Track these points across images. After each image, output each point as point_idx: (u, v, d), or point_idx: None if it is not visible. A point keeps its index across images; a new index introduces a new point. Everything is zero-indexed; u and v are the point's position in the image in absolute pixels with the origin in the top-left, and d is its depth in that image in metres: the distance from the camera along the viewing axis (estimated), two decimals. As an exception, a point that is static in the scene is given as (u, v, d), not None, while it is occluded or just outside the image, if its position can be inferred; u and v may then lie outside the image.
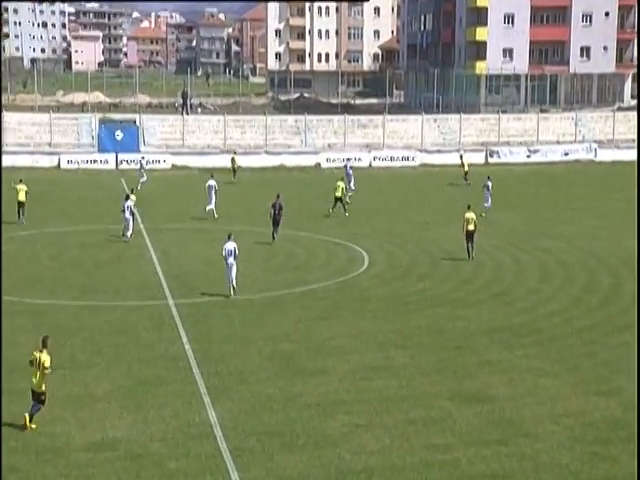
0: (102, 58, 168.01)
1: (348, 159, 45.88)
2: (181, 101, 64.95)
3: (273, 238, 28.60)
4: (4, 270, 23.69)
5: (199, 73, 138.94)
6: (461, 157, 45.60)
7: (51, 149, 48.95)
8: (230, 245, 22.55)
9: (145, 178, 40.38)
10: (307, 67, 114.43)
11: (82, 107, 67.77)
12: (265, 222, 31.87)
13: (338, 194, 35.40)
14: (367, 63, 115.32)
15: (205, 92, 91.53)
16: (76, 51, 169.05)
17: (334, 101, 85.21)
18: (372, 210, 36.01)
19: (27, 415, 13.47)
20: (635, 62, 73.11)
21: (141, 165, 43.55)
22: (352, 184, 38.74)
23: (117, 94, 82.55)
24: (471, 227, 25.47)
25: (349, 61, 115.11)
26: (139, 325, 18.93)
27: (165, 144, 51.09)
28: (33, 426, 13.48)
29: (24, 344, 17.14)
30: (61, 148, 49.15)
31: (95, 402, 14.61)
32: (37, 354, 13.67)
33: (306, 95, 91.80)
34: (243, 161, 48.23)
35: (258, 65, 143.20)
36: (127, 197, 28.90)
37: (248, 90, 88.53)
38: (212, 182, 33.56)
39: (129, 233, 28.30)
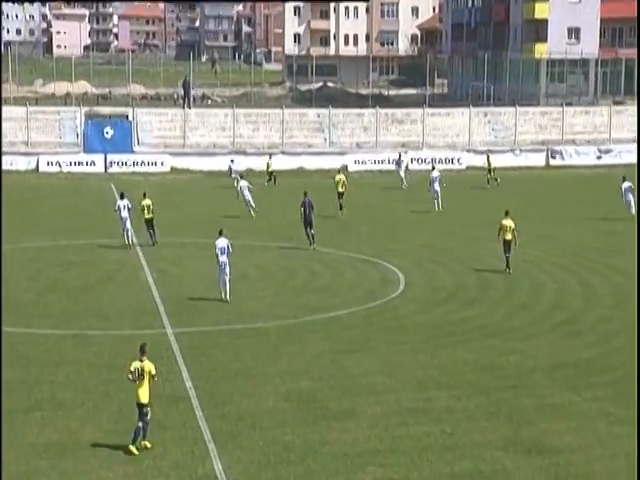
0: (88, 41, 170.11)
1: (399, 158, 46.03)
2: (182, 92, 65.55)
3: (310, 242, 29.83)
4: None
5: (203, 59, 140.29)
6: (488, 157, 45.91)
7: (28, 149, 49.64)
8: (222, 242, 23.31)
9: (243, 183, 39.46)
10: (332, 51, 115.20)
11: (65, 99, 68.72)
12: (282, 235, 32.06)
13: (341, 189, 36.01)
14: (403, 46, 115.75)
15: (210, 81, 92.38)
16: (58, 32, 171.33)
17: (364, 92, 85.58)
18: (408, 221, 36.08)
19: (134, 443, 14.44)
20: None
21: (231, 170, 43.74)
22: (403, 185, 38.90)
23: (106, 84, 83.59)
24: (509, 236, 26.14)
25: (382, 44, 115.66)
26: (132, 358, 18.97)
27: (163, 143, 51.59)
28: (148, 445, 14.66)
29: (-3, 380, 17.36)
30: (40, 148, 49.80)
31: (80, 450, 14.75)
32: (138, 364, 14.77)
33: (330, 85, 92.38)
34: (254, 163, 48.59)
35: (273, 49, 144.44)
36: (122, 196, 30.59)
37: (261, 79, 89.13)
38: (244, 182, 36.56)
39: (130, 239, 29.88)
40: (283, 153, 51.29)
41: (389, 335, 20.96)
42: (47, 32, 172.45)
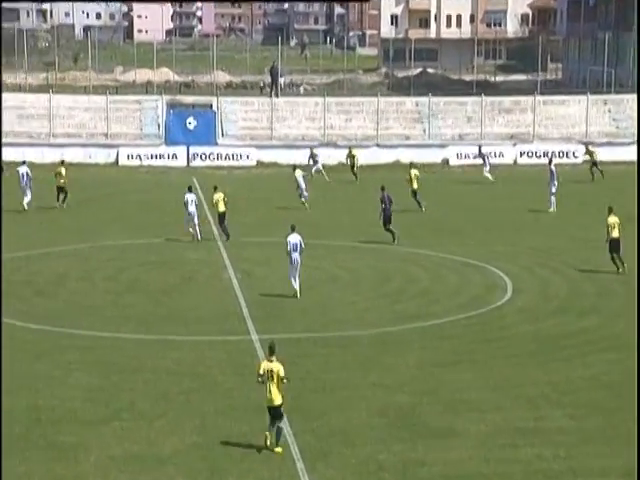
0: (171, 25, 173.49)
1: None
2: (269, 79, 66.15)
3: (394, 239, 30.44)
4: (47, 295, 24.81)
5: (292, 43, 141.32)
6: (587, 147, 44.96)
7: (108, 141, 50.88)
8: (294, 238, 23.98)
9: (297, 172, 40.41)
10: (432, 34, 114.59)
11: (146, 87, 70.14)
12: (375, 235, 32.03)
13: (415, 186, 35.87)
14: (512, 27, 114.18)
15: (300, 68, 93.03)
16: (139, 16, 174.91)
17: (467, 78, 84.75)
18: (517, 221, 35.57)
19: (272, 442, 15.14)
20: None
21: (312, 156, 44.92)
22: (553, 188, 37.11)
23: (189, 71, 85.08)
24: (615, 234, 26.24)
25: (488, 25, 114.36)
26: (215, 366, 19.37)
27: (249, 134, 52.19)
28: (279, 450, 15.16)
29: (73, 387, 17.85)
30: (120, 139, 51.01)
31: (160, 465, 15.00)
32: (267, 364, 15.29)
33: (430, 70, 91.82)
34: (343, 155, 48.62)
35: (368, 32, 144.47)
36: (190, 189, 31.70)
37: (355, 65, 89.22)
38: (299, 172, 38.05)
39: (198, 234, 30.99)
40: (378, 146, 51.26)
41: (495, 347, 20.72)
42: (128, 16, 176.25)
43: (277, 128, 52.25)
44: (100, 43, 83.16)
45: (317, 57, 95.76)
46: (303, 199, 37.71)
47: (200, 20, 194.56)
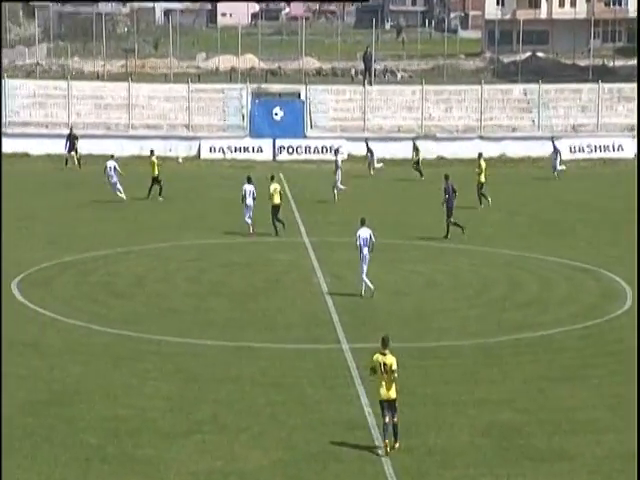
0: (257, 8, 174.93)
1: None
2: (362, 66, 66.24)
3: (447, 235, 31.44)
4: (125, 297, 25.31)
5: (387, 26, 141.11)
6: None
7: (189, 133, 51.64)
8: (365, 232, 24.65)
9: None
10: (542, 14, 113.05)
11: (230, 75, 71.01)
12: (479, 237, 31.77)
13: (482, 179, 36.97)
14: (634, 6, 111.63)
15: (395, 53, 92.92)
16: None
17: (582, 63, 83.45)
18: (635, 222, 34.81)
19: (386, 442, 15.72)
20: None
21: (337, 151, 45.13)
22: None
23: (276, 57, 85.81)
24: None
25: (606, 4, 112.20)
26: (303, 377, 19.48)
27: (339, 126, 52.34)
28: (397, 445, 15.82)
29: (152, 397, 18.17)
30: (202, 131, 51.71)
31: (244, 480, 15.20)
32: (381, 357, 15.94)
33: (540, 55, 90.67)
34: (445, 149, 48.41)
35: (471, 13, 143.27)
36: (249, 180, 32.51)
37: (456, 49, 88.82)
38: (339, 157, 40.43)
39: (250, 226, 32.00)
40: (481, 138, 50.85)
41: (612, 361, 20.39)
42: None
43: (370, 119, 52.28)
44: (181, 28, 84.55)
45: (414, 41, 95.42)
46: (335, 192, 38.31)
47: (288, 2, 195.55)
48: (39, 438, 16.18)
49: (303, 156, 50.38)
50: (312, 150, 50.88)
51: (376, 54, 71.43)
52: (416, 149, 45.29)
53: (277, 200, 31.93)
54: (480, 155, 38.69)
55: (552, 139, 45.74)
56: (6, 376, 19.00)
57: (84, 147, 47.83)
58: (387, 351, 16.03)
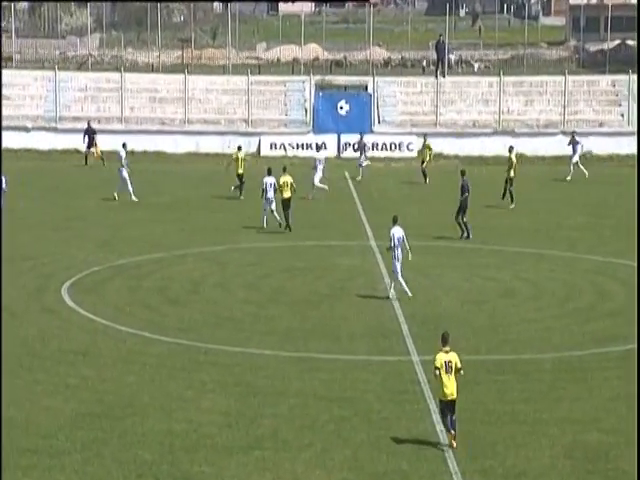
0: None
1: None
2: (434, 56, 66.02)
3: (462, 234, 32.41)
4: (181, 303, 25.57)
5: (462, 13, 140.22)
6: None
7: (249, 128, 51.97)
8: (399, 231, 25.39)
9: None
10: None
11: (292, 66, 71.24)
12: (565, 240, 31.50)
13: (512, 174, 37.68)
14: None
15: (471, 42, 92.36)
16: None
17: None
18: None
19: (452, 434, 16.61)
20: None
21: (361, 148, 45.15)
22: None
23: (341, 47, 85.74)
24: None
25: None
26: (370, 391, 19.50)
27: (410, 121, 52.28)
28: (454, 443, 16.55)
29: (209, 411, 18.33)
30: (262, 126, 51.99)
31: (306, 501, 15.30)
32: (444, 356, 16.64)
33: (631, 43, 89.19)
34: (525, 145, 48.06)
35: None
36: (269, 172, 33.75)
37: (537, 37, 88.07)
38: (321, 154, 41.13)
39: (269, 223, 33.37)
40: (564, 134, 50.33)
41: None
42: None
43: (443, 113, 52.11)
44: (241, 16, 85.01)
45: (492, 29, 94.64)
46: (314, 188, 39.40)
47: (293, 1, 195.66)
48: (90, 453, 16.42)
49: (370, 153, 50.28)
50: (380, 147, 50.86)
51: (450, 43, 71.00)
52: (428, 147, 44.47)
53: (287, 194, 32.55)
54: (511, 148, 39.11)
55: (573, 134, 45.42)
56: (56, 386, 19.35)
57: (138, 144, 48.37)
58: (448, 348, 16.64)
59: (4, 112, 51.94)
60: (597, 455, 16.66)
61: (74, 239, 32.36)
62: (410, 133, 51.28)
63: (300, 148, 50.90)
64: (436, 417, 18.09)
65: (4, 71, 56.69)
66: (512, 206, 37.39)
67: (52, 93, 52.37)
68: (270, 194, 33.07)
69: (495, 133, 50.22)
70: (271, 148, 51.00)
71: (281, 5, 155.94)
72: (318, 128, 51.40)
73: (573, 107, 51.63)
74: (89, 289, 26.55)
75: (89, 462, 16.10)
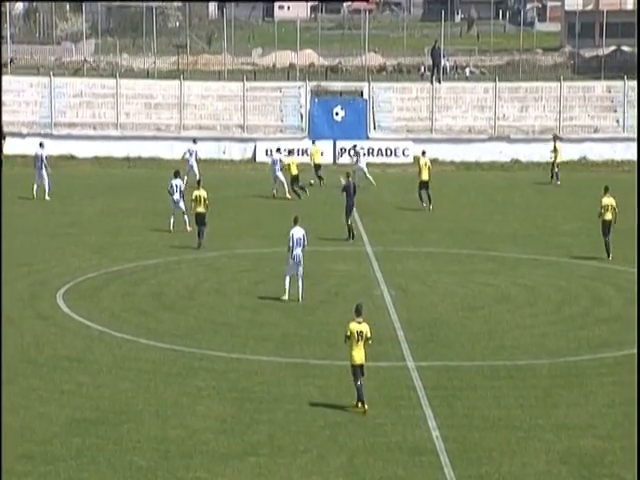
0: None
1: None
2: (430, 62, 66.12)
3: (349, 236, 32.94)
4: (176, 309, 25.57)
5: (457, 19, 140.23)
6: None
7: (244, 134, 52.00)
8: (298, 232, 25.79)
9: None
10: (629, 5, 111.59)
11: (287, 72, 71.30)
12: (560, 246, 31.53)
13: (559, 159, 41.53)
14: None
15: (466, 47, 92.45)
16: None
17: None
18: None
19: (360, 403, 18.28)
20: None
21: (356, 153, 45.21)
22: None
23: (337, 53, 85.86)
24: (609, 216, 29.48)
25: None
26: (365, 396, 19.49)
27: (405, 127, 52.35)
28: (366, 407, 18.22)
29: (204, 417, 18.32)
30: (258, 132, 52.02)
31: (301, 507, 15.28)
32: (357, 326, 18.36)
33: (626, 49, 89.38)
34: (520, 151, 48.09)
35: (549, 4, 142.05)
36: (177, 174, 34.24)
37: (533, 43, 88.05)
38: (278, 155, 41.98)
39: (187, 224, 33.54)
40: (560, 139, 50.36)
41: (702, 384, 20.04)
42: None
43: (439, 119, 52.21)
44: (237, 22, 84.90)
45: (487, 35, 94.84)
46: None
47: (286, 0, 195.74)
48: (85, 459, 16.41)
49: (366, 159, 50.28)
50: (375, 152, 50.92)
51: (445, 49, 71.02)
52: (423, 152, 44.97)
53: (201, 208, 31.78)
54: (555, 137, 42.66)
55: (554, 138, 46.20)
56: (51, 392, 19.34)
57: (134, 150, 48.37)
58: (361, 319, 18.38)
59: (0, 118, 52.01)
60: (593, 461, 16.67)
61: (69, 245, 32.34)
62: (406, 139, 51.32)
63: (296, 154, 50.76)
64: (432, 423, 18.12)
65: (-1, 77, 56.73)
66: (558, 182, 42.28)
67: (47, 99, 52.39)
68: (177, 196, 33.66)
69: (490, 139, 50.28)
70: (267, 154, 50.91)
71: (277, 11, 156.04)
72: (314, 134, 51.38)
73: (568, 113, 51.73)
74: (84, 295, 26.54)
75: (84, 468, 16.09)
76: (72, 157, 50.80)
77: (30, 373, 20.43)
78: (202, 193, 31.75)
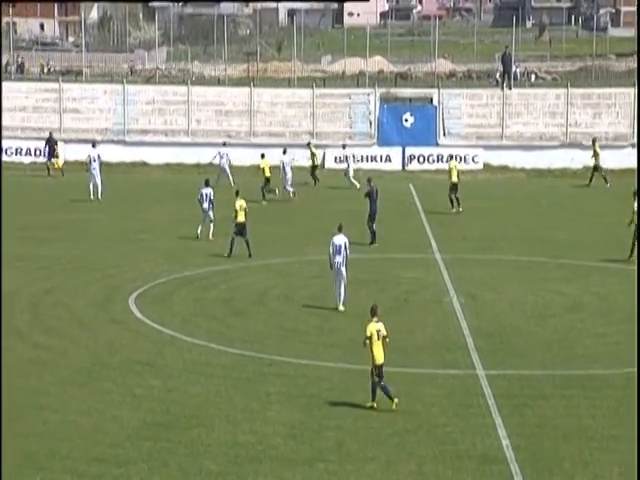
0: (386, 7, 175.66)
1: None
2: (500, 68, 65.70)
3: (372, 241, 33.08)
4: (246, 315, 25.72)
5: (529, 24, 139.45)
6: None
7: (314, 140, 52.02)
8: (340, 239, 25.60)
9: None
10: None
11: (357, 79, 71.40)
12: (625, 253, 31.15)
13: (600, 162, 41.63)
14: None
15: (538, 53, 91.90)
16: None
17: None
18: None
19: (393, 400, 18.78)
20: None
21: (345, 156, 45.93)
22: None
23: (406, 59, 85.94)
24: None
25: None
26: (434, 404, 19.43)
27: (475, 133, 52.03)
28: (396, 400, 18.81)
29: (273, 422, 18.40)
30: (327, 139, 52.11)
31: (370, 514, 15.27)
32: (375, 325, 18.89)
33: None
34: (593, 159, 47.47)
35: (623, 9, 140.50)
36: (207, 183, 34.21)
37: (606, 49, 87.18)
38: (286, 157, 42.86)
39: (210, 233, 33.73)
40: (633, 146, 49.72)
41: None
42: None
43: (509, 125, 51.79)
44: (306, 29, 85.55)
45: (559, 40, 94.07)
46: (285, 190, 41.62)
47: (420, 0, 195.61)
48: (157, 462, 16.58)
49: (435, 165, 50.17)
50: (445, 159, 50.53)
51: (516, 55, 70.62)
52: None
53: (241, 218, 31.35)
54: (594, 140, 44.16)
55: (593, 142, 46.64)
56: (123, 396, 19.57)
57: (205, 156, 48.73)
58: (377, 318, 18.94)
59: (75, 125, 52.87)
60: (667, 473, 16.41)
61: (141, 251, 32.69)
62: (476, 146, 51.03)
63: (364, 160, 50.89)
64: (502, 432, 17.99)
65: (74, 85, 57.66)
66: (608, 185, 42.93)
67: (120, 106, 53.02)
68: (206, 205, 33.63)
69: (562, 146, 49.75)
70: (335, 161, 51.00)
71: (346, 18, 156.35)
72: (383, 140, 51.38)
73: (642, 119, 50.98)
74: (156, 300, 26.81)
75: (155, 472, 16.26)
76: (144, 163, 51.36)
77: (103, 376, 20.70)
78: (243, 203, 31.66)
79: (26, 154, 50.35)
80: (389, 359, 22.03)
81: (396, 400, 18.79)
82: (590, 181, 45.05)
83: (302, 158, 47.76)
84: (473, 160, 50.55)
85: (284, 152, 43.61)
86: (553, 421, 18.53)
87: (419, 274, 29.89)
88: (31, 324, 24.45)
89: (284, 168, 42.17)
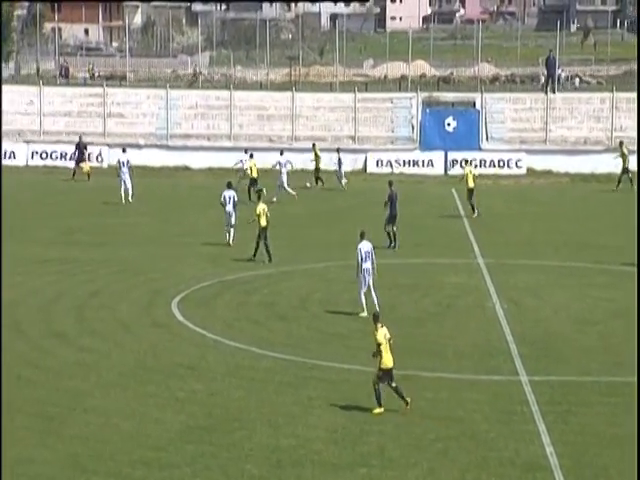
0: (429, 11, 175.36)
1: None
2: (544, 72, 65.39)
3: (391, 243, 33.03)
4: (288, 319, 25.78)
5: (573, 28, 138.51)
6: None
7: (355, 145, 52.16)
8: (366, 246, 25.51)
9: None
10: None
11: (399, 83, 71.36)
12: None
13: (627, 164, 42.24)
14: None
15: (582, 57, 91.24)
16: (393, 1, 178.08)
17: None
18: None
19: (406, 400, 18.94)
20: None
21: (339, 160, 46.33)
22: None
23: (449, 63, 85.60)
24: None
25: None
26: (477, 411, 19.36)
27: (518, 137, 51.85)
28: (409, 399, 18.90)
29: (315, 426, 18.44)
30: (369, 143, 52.14)
31: (413, 520, 15.24)
32: (382, 331, 18.95)
33: None
34: (636, 163, 47.13)
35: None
36: (229, 185, 33.87)
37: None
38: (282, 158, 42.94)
39: (231, 238, 33.52)
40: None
41: None
42: (380, 1, 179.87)
43: (553, 129, 51.59)
44: (348, 33, 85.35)
45: (604, 44, 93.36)
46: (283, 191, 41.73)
47: (463, 3, 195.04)
48: (199, 466, 16.66)
49: (478, 170, 49.80)
50: (488, 164, 50.53)
51: (561, 59, 70.28)
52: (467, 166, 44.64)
53: (263, 222, 31.21)
54: (622, 143, 44.37)
55: (620, 144, 46.61)
56: (166, 399, 19.69)
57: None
58: (381, 324, 18.97)
59: (119, 130, 53.31)
60: None
61: (184, 255, 32.87)
62: (519, 150, 50.83)
63: (407, 165, 50.91)
64: (545, 439, 17.89)
65: (118, 90, 58.20)
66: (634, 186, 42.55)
67: (163, 111, 53.39)
68: (229, 208, 33.31)
69: (607, 150, 49.41)
70: (377, 165, 51.10)
71: (388, 22, 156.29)
72: (425, 145, 51.34)
73: (688, 124, 50.51)
74: (199, 304, 26.95)
75: (198, 475, 16.34)
76: (187, 168, 51.67)
77: (146, 379, 20.84)
78: (265, 207, 31.59)
79: (70, 159, 50.77)
80: (430, 364, 22.10)
81: (381, 410, 18.85)
82: (618, 184, 44.96)
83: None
84: (516, 165, 50.39)
85: (281, 153, 43.72)
86: (597, 428, 18.39)
87: (462, 279, 29.81)
88: (76, 327, 24.68)
89: (280, 169, 42.23)
